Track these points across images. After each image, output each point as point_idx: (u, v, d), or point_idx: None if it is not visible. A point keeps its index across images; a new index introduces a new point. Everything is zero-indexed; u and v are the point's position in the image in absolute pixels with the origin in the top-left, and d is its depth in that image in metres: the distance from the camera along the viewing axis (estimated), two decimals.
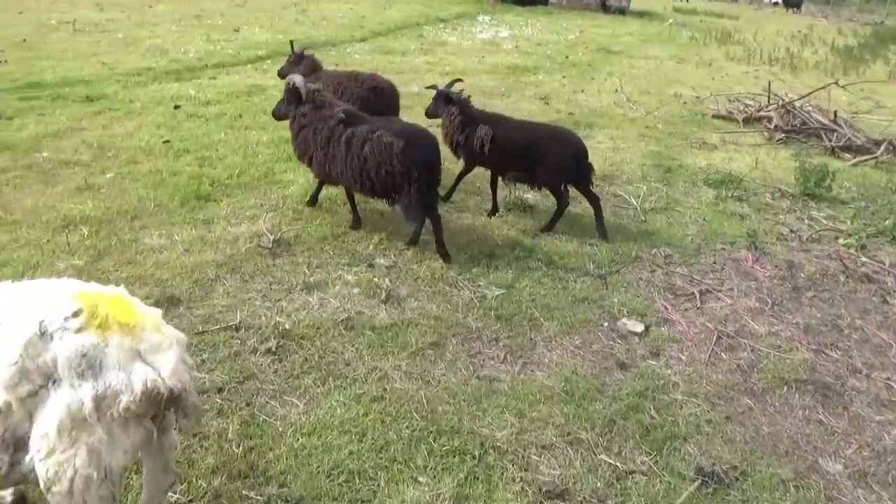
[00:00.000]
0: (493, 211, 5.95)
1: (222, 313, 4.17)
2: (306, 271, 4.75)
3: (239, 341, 3.88)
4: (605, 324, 4.37)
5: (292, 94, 5.25)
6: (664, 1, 37.17)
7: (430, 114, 5.99)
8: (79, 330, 2.04)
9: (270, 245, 5.03)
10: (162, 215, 5.47)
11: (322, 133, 5.06)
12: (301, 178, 6.36)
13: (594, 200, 5.65)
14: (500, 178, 5.90)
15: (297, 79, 5.22)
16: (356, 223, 5.47)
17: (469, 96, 5.92)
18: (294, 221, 5.51)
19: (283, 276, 4.67)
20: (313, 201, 5.81)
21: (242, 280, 4.59)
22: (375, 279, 4.67)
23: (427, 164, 4.85)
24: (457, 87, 5.92)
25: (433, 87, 6.05)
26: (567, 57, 15.94)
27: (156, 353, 2.11)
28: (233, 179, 6.29)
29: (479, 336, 4.14)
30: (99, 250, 4.80)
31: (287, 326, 4.02)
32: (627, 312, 4.52)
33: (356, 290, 4.54)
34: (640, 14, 29.47)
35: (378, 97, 6.36)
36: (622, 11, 28.28)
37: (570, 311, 4.46)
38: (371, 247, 5.16)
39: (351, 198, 5.48)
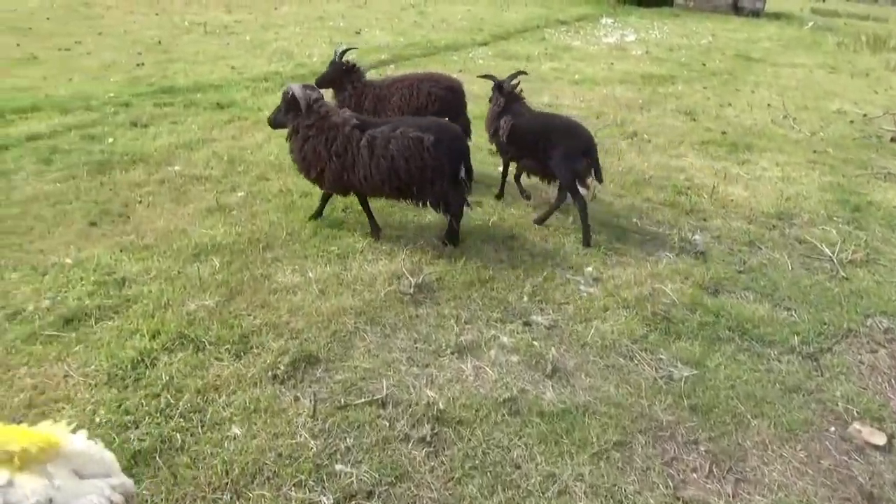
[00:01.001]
0: (525, 195, 6.10)
1: (365, 380, 3.57)
2: (455, 327, 4.09)
3: (387, 423, 3.26)
4: (833, 429, 3.44)
5: (291, 104, 4.90)
6: (799, 1, 34.35)
7: (490, 101, 5.97)
8: None
9: (412, 290, 4.42)
10: (294, 245, 4.98)
11: (337, 141, 4.80)
12: None
13: (582, 205, 5.28)
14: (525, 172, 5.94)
15: (295, 88, 4.87)
16: (376, 233, 5.22)
17: (521, 89, 5.84)
18: (435, 260, 4.88)
19: (429, 332, 4.04)
20: (318, 215, 5.45)
21: (384, 334, 3.99)
22: (536, 343, 3.95)
23: (458, 156, 4.82)
24: (518, 79, 5.86)
25: (488, 76, 6.03)
26: (704, 64, 14.61)
27: None
28: (371, 204, 5.74)
29: (671, 434, 3.33)
30: (231, 287, 4.34)
31: (441, 406, 3.37)
32: (858, 413, 3.56)
33: (515, 359, 3.83)
34: (776, 16, 27.22)
35: (454, 96, 6.21)
36: (756, 13, 26.19)
37: (782, 406, 3.56)
38: (525, 298, 4.44)
39: (366, 205, 5.26)
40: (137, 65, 10.92)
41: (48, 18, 15.17)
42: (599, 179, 5.35)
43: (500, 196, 6.12)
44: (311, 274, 4.59)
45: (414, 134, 4.67)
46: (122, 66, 10.78)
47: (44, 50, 11.72)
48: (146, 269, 4.52)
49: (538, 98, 10.01)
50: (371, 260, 4.84)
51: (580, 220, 5.29)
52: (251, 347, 3.76)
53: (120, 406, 3.25)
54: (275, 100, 8.96)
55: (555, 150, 5.25)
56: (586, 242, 5.23)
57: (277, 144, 7.21)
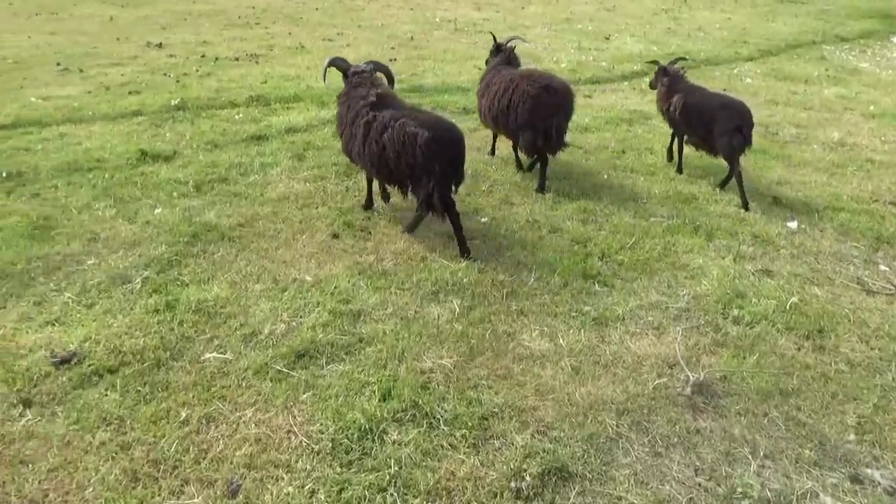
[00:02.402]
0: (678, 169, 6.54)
1: None
2: (750, 460, 3.03)
3: None
4: None
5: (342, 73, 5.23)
6: None
7: (651, 86, 6.77)
8: None
9: (689, 390, 3.41)
10: (543, 297, 4.20)
11: (352, 112, 4.91)
12: (715, 269, 4.61)
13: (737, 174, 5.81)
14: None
15: (331, 59, 5.23)
16: (368, 203, 5.31)
17: (685, 71, 6.42)
18: (718, 347, 3.81)
19: (714, 461, 3.02)
20: (369, 204, 5.34)
21: (654, 451, 3.05)
22: None
23: (451, 159, 4.53)
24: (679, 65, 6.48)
25: (654, 62, 6.73)
26: None
27: None
28: (624, 254, 4.80)
29: None
30: (471, 345, 3.67)
31: None
32: None
33: None
34: None
35: (550, 96, 5.65)
36: None
37: None
38: (849, 433, 3.22)
39: (370, 182, 5.28)
40: (390, 60, 10.92)
41: (317, 9, 16.10)
42: (748, 144, 5.79)
43: (679, 170, 6.50)
44: (561, 340, 3.77)
45: (411, 129, 4.44)
46: (376, 59, 10.83)
47: (311, 39, 12.27)
48: (383, 301, 4.02)
49: (825, 132, 8.23)
50: (635, 332, 3.90)
51: (737, 186, 5.79)
52: (491, 437, 3.05)
53: (341, 492, 2.70)
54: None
55: (715, 125, 5.78)
56: (744, 206, 5.71)
57: (524, 163, 6.51)
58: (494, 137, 6.80)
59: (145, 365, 3.34)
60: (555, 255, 4.72)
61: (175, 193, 5.34)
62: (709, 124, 5.81)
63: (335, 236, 4.84)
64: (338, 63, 5.20)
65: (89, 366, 3.30)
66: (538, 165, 6.06)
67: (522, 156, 6.34)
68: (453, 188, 4.68)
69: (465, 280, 4.30)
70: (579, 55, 12.36)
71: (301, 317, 3.83)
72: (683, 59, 6.73)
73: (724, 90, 10.27)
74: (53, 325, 3.63)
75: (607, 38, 14.48)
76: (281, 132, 6.95)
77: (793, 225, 5.42)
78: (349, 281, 4.22)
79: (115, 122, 7.04)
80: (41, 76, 8.82)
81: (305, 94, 8.40)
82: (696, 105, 5.98)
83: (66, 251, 4.39)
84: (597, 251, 4.80)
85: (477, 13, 17.15)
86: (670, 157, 6.71)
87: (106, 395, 3.13)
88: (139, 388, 3.19)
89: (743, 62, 13.15)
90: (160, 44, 11.02)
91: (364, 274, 4.33)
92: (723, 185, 6.12)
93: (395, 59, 10.88)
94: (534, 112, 5.59)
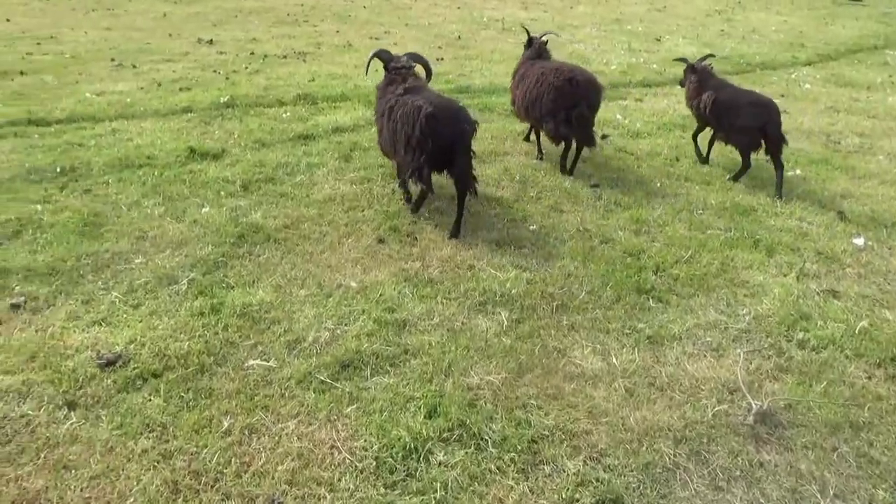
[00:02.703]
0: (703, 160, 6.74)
1: None
2: (817, 498, 2.81)
3: None
4: None
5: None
6: None
7: (681, 83, 6.79)
8: None
9: (751, 419, 3.21)
10: (594, 311, 4.02)
11: (381, 104, 5.10)
12: (777, 288, 4.37)
13: (778, 167, 5.99)
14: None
15: (376, 51, 5.45)
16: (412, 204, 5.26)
17: (713, 67, 6.49)
18: (780, 373, 3.58)
19: (780, 497, 2.81)
20: (416, 208, 5.24)
21: (714, 485, 2.86)
22: None
23: (445, 136, 4.60)
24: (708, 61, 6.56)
25: (682, 59, 6.75)
26: None
27: None
28: (680, 268, 4.58)
29: None
30: (519, 361, 3.52)
31: None
32: None
33: None
34: None
35: (574, 88, 5.85)
36: None
37: None
38: None
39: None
40: (437, 59, 10.81)
41: (365, 7, 16.09)
42: (783, 142, 5.99)
43: (705, 161, 6.70)
44: (614, 359, 3.60)
45: (417, 103, 4.63)
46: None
47: (358, 38, 12.24)
48: (429, 311, 3.90)
49: (890, 143, 7.81)
50: (692, 354, 3.70)
51: (778, 178, 5.99)
52: (541, 462, 2.90)
53: None
54: None
55: (738, 121, 5.91)
56: (779, 194, 5.92)
57: (579, 169, 6.32)
58: (530, 128, 6.90)
59: (189, 370, 3.29)
60: (607, 267, 4.53)
61: (222, 192, 5.32)
62: (734, 119, 5.96)
63: (381, 241, 4.74)
64: (381, 55, 5.42)
65: (134, 369, 3.26)
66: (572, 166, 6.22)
67: (552, 147, 6.39)
68: (464, 185, 4.84)
69: (513, 291, 4.15)
70: (629, 57, 12.05)
71: (346, 325, 3.74)
72: (712, 55, 6.88)
73: (783, 95, 9.89)
74: (100, 324, 3.61)
75: (658, 40, 14.11)
76: (328, 132, 6.89)
77: (859, 242, 5.12)
78: (395, 288, 4.11)
79: (165, 119, 7.08)
80: (96, 71, 8.96)
81: (353, 94, 8.34)
82: (725, 101, 6.08)
83: (114, 249, 4.39)
84: (651, 264, 4.59)
85: (524, 13, 16.92)
86: (700, 156, 6.77)
87: (150, 400, 3.09)
88: (182, 394, 3.14)
89: (801, 67, 12.65)
90: (211, 40, 11.13)
91: (410, 281, 4.22)
92: (736, 178, 6.28)
93: (443, 59, 10.76)
94: (556, 102, 5.85)
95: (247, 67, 9.53)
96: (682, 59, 6.75)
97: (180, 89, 8.17)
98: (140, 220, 4.81)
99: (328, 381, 3.28)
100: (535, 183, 6.00)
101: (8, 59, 9.34)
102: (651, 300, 4.18)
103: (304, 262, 4.39)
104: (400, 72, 5.26)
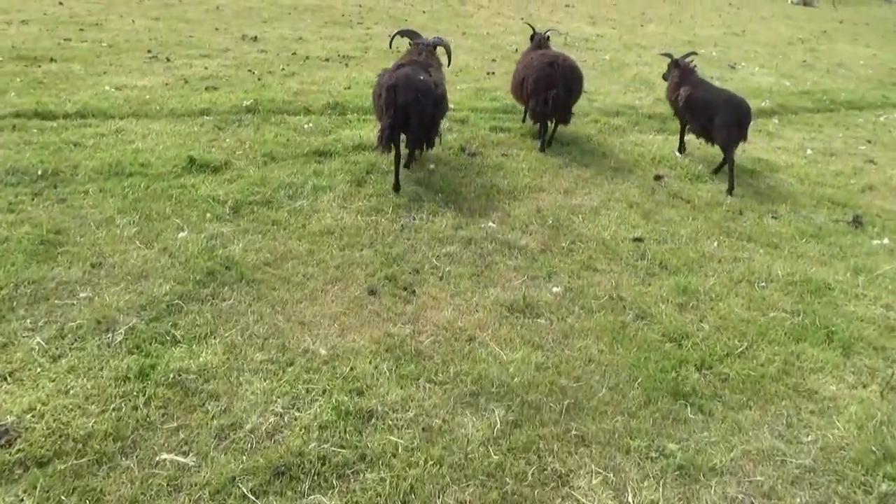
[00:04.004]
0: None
1: None
2: None
3: None
4: None
5: None
6: None
7: (664, 77, 7.09)
8: None
9: None
10: (614, 419, 3.15)
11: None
12: (855, 405, 3.39)
13: (731, 159, 6.18)
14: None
15: (402, 29, 6.18)
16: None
17: (694, 65, 6.81)
18: None
19: None
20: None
21: None
22: None
23: (402, 104, 5.06)
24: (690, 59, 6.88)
25: (667, 54, 7.04)
26: None
27: None
28: (731, 364, 3.65)
29: None
30: (505, 489, 2.69)
31: None
32: None
33: None
34: None
35: (553, 70, 6.42)
36: None
37: None
38: None
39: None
40: (488, 73, 10.01)
41: (424, 12, 15.42)
42: (744, 139, 6.24)
43: (681, 150, 7.08)
44: (631, 497, 2.73)
45: (386, 76, 5.27)
46: (473, 72, 9.95)
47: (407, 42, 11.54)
48: (405, 400, 3.11)
49: None
50: (735, 499, 2.79)
51: (728, 172, 6.17)
52: None
53: None
54: (625, 146, 7.16)
55: (716, 118, 6.14)
56: (730, 191, 6.12)
57: (617, 214, 5.42)
58: (525, 111, 7.40)
59: (84, 460, 2.59)
60: (639, 354, 3.64)
61: (209, 215, 4.66)
62: (711, 116, 6.22)
63: (372, 292, 3.98)
64: (406, 33, 6.08)
65: (18, 452, 2.59)
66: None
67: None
68: (414, 143, 5.43)
69: (515, 380, 3.32)
70: None
71: (298, 409, 2.99)
72: (694, 53, 7.39)
73: (869, 141, 8.68)
74: (5, 380, 2.96)
75: (732, 67, 12.94)
76: (347, 149, 6.18)
77: None
78: (371, 362, 3.34)
79: (178, 121, 6.52)
80: (128, 63, 8.53)
81: None
82: (700, 98, 6.40)
83: (62, 277, 3.76)
84: (695, 356, 3.68)
85: (591, 28, 15.94)
86: (682, 150, 7.10)
87: (20, 501, 2.40)
88: (63, 497, 2.43)
89: (892, 109, 11.28)
90: (255, 37, 10.63)
91: (392, 353, 3.44)
92: (717, 170, 6.59)
93: (493, 73, 9.96)
94: (538, 83, 6.41)
95: (283, 69, 8.95)
96: (668, 55, 7.10)
97: (206, 89, 7.63)
98: (105, 241, 4.18)
99: (251, 496, 2.53)
100: (569, 229, 5.13)
101: (45, 44, 9.02)
102: (690, 408, 3.28)
103: (274, 313, 3.67)
104: (419, 47, 5.85)
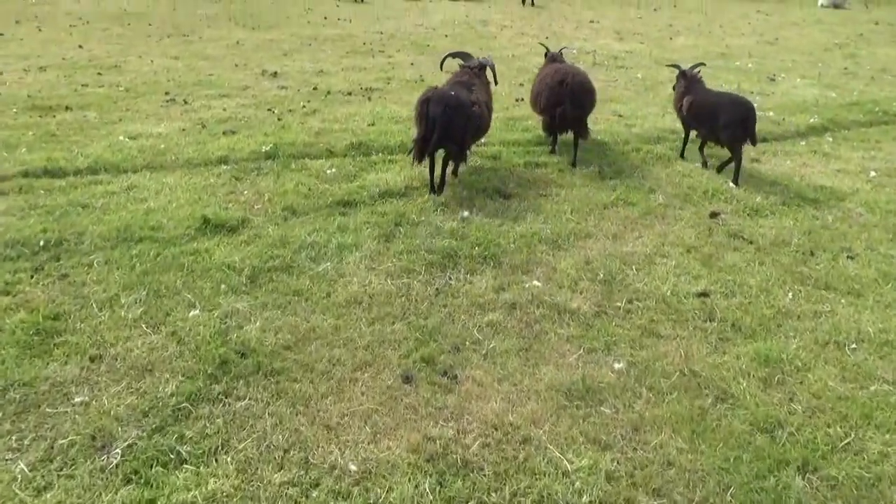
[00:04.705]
0: (704, 163, 7.09)
1: None
2: None
3: None
4: None
5: None
6: None
7: (673, 88, 7.23)
8: None
9: None
10: None
11: None
12: None
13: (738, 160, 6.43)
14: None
15: (452, 52, 6.67)
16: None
17: (700, 74, 6.96)
18: None
19: None
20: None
21: None
22: None
23: (432, 117, 5.38)
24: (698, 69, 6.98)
25: (675, 65, 7.29)
26: None
27: None
28: (836, 460, 3.02)
29: None
30: None
31: None
32: None
33: None
34: None
35: (562, 88, 6.53)
36: None
37: None
38: None
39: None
40: (517, 100, 9.49)
41: (446, 35, 14.99)
42: (753, 143, 6.45)
43: (681, 155, 7.22)
44: None
45: (423, 93, 5.63)
46: (502, 99, 9.42)
47: (432, 70, 11.09)
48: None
49: None
50: None
51: (728, 165, 6.61)
52: None
53: None
54: (669, 178, 6.53)
55: (722, 118, 6.34)
56: (735, 181, 6.44)
57: (676, 264, 4.82)
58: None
59: None
60: (727, 452, 3.04)
61: (223, 286, 4.18)
62: (717, 117, 6.39)
63: (407, 379, 3.44)
64: (458, 55, 6.40)
65: None
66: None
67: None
68: (450, 156, 5.81)
69: (584, 499, 2.74)
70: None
71: None
72: (703, 64, 7.53)
73: None
74: None
75: (772, 80, 12.23)
76: (373, 197, 5.69)
77: None
78: (410, 480, 2.79)
79: (195, 172, 6.10)
80: (144, 107, 8.20)
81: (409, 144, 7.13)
82: (704, 102, 6.61)
83: (57, 376, 3.30)
84: (794, 453, 3.05)
85: (618, 44, 15.34)
86: (705, 163, 7.08)
87: None
88: None
89: None
90: (275, 73, 10.27)
91: (435, 464, 2.88)
92: (721, 167, 6.74)
93: (522, 100, 9.42)
94: (549, 100, 6.64)
95: (304, 106, 8.54)
96: (675, 65, 7.31)
97: (223, 133, 7.23)
98: (107, 326, 3.72)
99: None
100: (623, 284, 4.55)
101: (61, 91, 8.75)
102: None
103: (295, 414, 3.15)
104: (466, 69, 6.18)
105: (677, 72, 7.13)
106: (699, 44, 16.16)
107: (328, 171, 6.25)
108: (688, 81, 6.91)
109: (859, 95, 11.29)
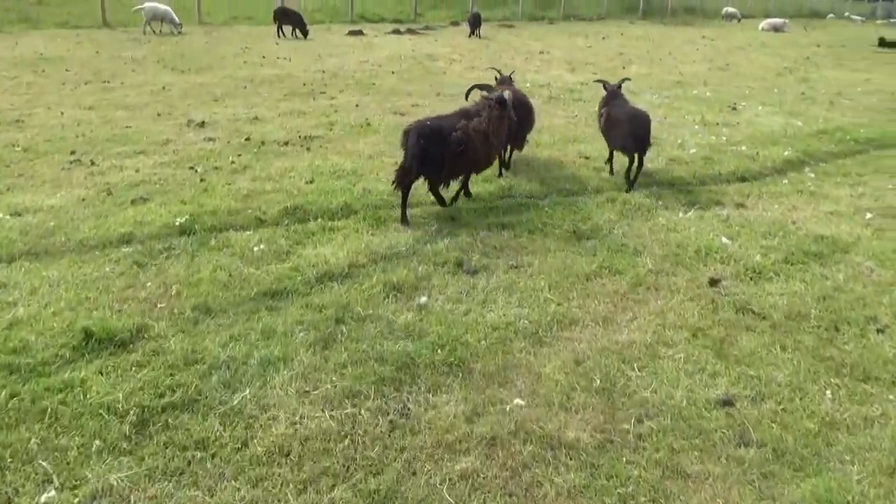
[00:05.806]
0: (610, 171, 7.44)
1: None
2: None
3: None
4: None
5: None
6: None
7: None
8: None
9: None
10: None
11: None
12: None
13: (638, 164, 6.75)
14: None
15: (477, 84, 6.56)
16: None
17: (621, 88, 7.24)
18: None
19: None
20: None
21: None
22: None
23: (410, 147, 5.55)
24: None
25: (601, 81, 7.46)
26: None
27: None
28: None
29: None
30: None
31: None
32: None
33: None
34: None
35: (520, 105, 6.68)
36: None
37: None
38: None
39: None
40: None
41: (393, 72, 14.09)
42: (643, 152, 6.71)
43: (610, 172, 7.41)
44: None
45: (409, 124, 5.75)
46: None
47: (379, 113, 10.11)
48: None
49: None
50: None
51: (635, 174, 6.82)
52: None
53: None
54: (652, 228, 5.62)
55: (619, 130, 6.77)
56: (629, 188, 6.79)
57: (686, 356, 3.88)
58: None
59: None
60: None
61: (97, 443, 3.03)
62: (617, 128, 6.77)
63: None
64: (481, 87, 6.37)
65: None
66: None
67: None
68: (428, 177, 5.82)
69: None
70: (707, 134, 9.64)
71: None
72: (628, 79, 7.99)
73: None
74: None
75: (734, 109, 11.71)
76: (309, 283, 4.62)
77: None
78: None
79: (86, 259, 4.92)
80: (42, 171, 6.95)
81: (359, 204, 6.13)
82: (613, 115, 6.85)
83: None
84: None
85: (571, 76, 14.72)
86: (611, 172, 7.40)
87: None
88: None
89: None
90: (202, 122, 9.11)
91: None
92: (627, 174, 6.88)
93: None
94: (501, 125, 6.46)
95: (233, 162, 7.43)
96: (601, 81, 7.49)
97: (132, 202, 6.06)
98: None
99: None
100: (626, 393, 3.58)
101: None
102: None
103: None
104: (483, 102, 6.10)
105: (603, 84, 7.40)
106: (653, 72, 15.71)
107: (255, 249, 5.15)
108: (608, 94, 7.17)
109: (824, 123, 10.83)
